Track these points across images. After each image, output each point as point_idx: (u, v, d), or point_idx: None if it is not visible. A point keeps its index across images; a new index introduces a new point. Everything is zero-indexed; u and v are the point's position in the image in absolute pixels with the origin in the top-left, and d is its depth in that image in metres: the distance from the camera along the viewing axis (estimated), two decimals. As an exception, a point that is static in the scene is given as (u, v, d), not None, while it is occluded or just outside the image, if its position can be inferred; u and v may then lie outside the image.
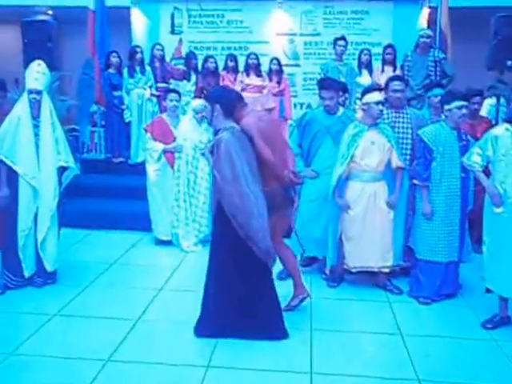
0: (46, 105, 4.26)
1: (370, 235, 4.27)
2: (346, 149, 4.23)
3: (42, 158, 4.22)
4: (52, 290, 4.31)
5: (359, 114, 4.68)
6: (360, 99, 4.58)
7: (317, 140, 4.49)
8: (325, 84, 4.51)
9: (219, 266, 3.48)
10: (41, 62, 4.39)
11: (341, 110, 4.56)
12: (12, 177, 4.19)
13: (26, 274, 4.26)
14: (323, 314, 3.98)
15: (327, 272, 4.51)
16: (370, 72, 6.97)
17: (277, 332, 3.55)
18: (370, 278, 4.46)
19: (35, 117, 4.22)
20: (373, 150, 4.22)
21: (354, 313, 4.06)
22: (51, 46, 7.28)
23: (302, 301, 3.95)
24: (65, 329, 3.67)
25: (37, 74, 4.27)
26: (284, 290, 3.94)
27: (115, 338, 3.51)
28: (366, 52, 7.05)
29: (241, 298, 3.47)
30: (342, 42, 6.85)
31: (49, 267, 4.31)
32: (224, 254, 3.45)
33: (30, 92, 4.20)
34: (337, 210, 4.34)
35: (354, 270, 4.40)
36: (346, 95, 5.54)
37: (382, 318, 3.97)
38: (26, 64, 6.97)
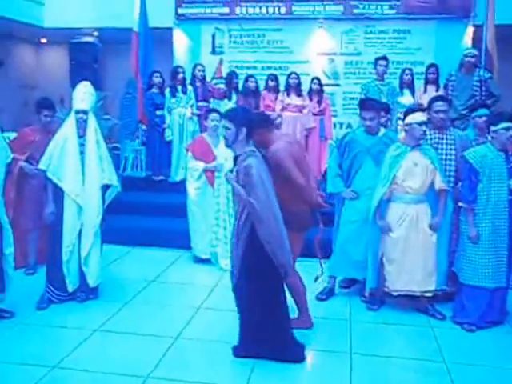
0: (92, 124, 4.37)
1: (412, 258, 4.20)
2: (387, 170, 4.18)
3: (86, 175, 4.32)
4: (94, 305, 4.38)
5: (401, 135, 4.63)
6: (402, 119, 4.53)
7: (357, 161, 4.46)
8: (366, 104, 4.48)
9: (259, 293, 3.40)
10: (87, 83, 4.52)
11: (382, 130, 4.52)
12: (58, 194, 4.31)
13: (70, 288, 4.34)
14: (363, 337, 3.91)
15: (367, 294, 4.44)
16: (412, 92, 6.91)
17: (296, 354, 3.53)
18: (411, 302, 4.35)
19: (81, 136, 4.33)
20: (415, 171, 4.16)
21: (394, 337, 3.98)
22: (96, 66, 7.53)
23: (302, 328, 3.85)
24: (105, 344, 3.73)
25: (83, 94, 4.39)
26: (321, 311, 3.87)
27: (154, 355, 3.54)
28: (407, 71, 6.99)
29: (279, 321, 3.45)
30: (383, 62, 6.81)
31: (91, 283, 4.39)
32: (262, 281, 3.38)
33: (77, 112, 4.31)
34: (377, 232, 4.28)
35: (394, 294, 4.32)
36: (389, 116, 5.49)
37: (424, 343, 3.86)
38: (73, 84, 7.25)
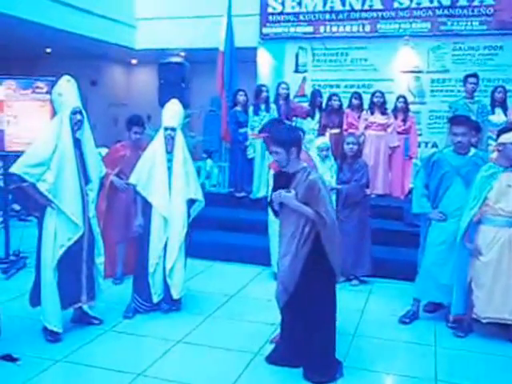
0: (180, 141, 4.52)
1: (504, 284, 3.99)
2: (478, 191, 4.02)
3: (173, 190, 4.46)
4: (176, 316, 4.49)
5: (493, 155, 4.43)
6: (494, 139, 4.34)
7: (445, 181, 4.31)
8: (458, 120, 4.33)
9: (316, 306, 3.41)
10: (177, 101, 4.69)
11: (472, 150, 4.35)
12: (146, 207, 4.48)
13: (155, 299, 4.48)
14: (449, 364, 3.75)
15: (451, 319, 4.24)
16: (505, 110, 6.60)
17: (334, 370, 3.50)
18: (502, 331, 4.12)
19: (169, 152, 4.48)
20: (509, 193, 3.97)
21: (483, 368, 3.76)
22: (184, 86, 7.79)
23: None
24: (188, 356, 3.80)
25: (173, 112, 4.56)
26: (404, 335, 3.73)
27: (235, 370, 3.57)
28: (500, 89, 6.70)
29: (329, 334, 3.47)
30: (473, 79, 6.57)
31: (175, 294, 4.50)
32: (320, 295, 3.41)
33: (166, 129, 4.48)
34: (466, 256, 4.11)
35: (484, 321, 4.10)
36: (479, 135, 5.28)
37: (515, 376, 3.64)
38: (161, 102, 7.54)
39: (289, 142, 3.36)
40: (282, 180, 3.46)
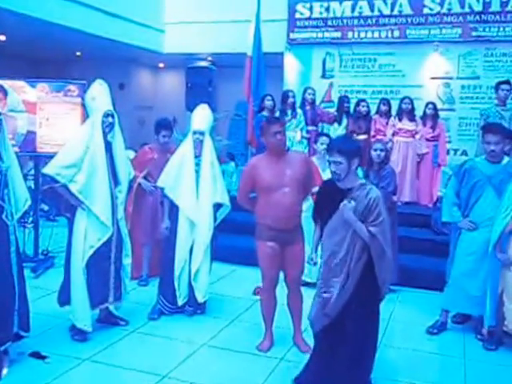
0: (208, 145, 4.53)
1: (536, 297, 3.89)
2: (511, 201, 3.93)
3: (200, 194, 4.47)
4: (201, 320, 4.50)
5: (527, 164, 4.34)
6: (528, 148, 4.26)
7: (477, 190, 4.22)
8: (491, 128, 4.26)
9: (363, 330, 3.16)
10: (206, 105, 4.72)
11: (506, 159, 4.27)
12: (172, 210, 4.50)
13: (180, 302, 4.49)
14: (478, 378, 3.68)
15: (484, 333, 4.15)
16: (538, 118, 6.47)
17: None
18: (534, 345, 4.03)
19: (197, 155, 4.50)
20: (542, 203, 3.88)
21: (513, 382, 3.68)
22: (211, 90, 7.85)
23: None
24: (212, 359, 3.80)
25: (202, 116, 4.58)
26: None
27: (260, 374, 3.56)
28: (533, 96, 6.57)
29: (369, 358, 3.26)
30: (506, 86, 6.44)
31: (200, 298, 4.51)
32: (369, 317, 3.20)
33: (195, 133, 4.50)
34: (497, 266, 4.03)
35: (515, 334, 4.02)
36: (512, 143, 5.17)
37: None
38: (188, 106, 7.60)
39: (353, 152, 3.10)
40: (333, 195, 3.16)
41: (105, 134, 3.95)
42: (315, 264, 3.39)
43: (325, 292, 3.17)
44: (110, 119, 3.95)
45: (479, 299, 4.12)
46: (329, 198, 3.20)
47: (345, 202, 3.08)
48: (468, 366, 3.80)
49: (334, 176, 3.13)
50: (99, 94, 3.99)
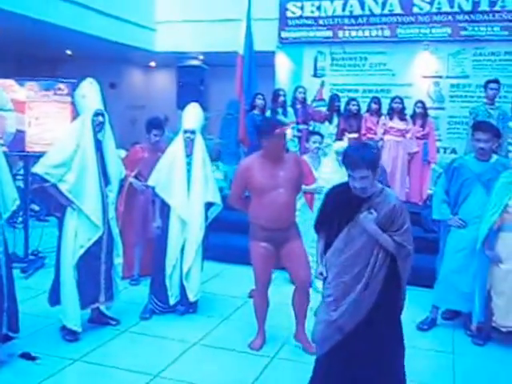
0: (199, 144, 4.53)
1: (524, 293, 3.93)
2: (498, 198, 3.98)
3: (191, 193, 4.47)
4: (192, 318, 4.50)
5: (514, 162, 4.39)
6: (515, 145, 4.30)
7: (466, 188, 4.27)
8: (481, 126, 4.30)
9: (389, 347, 2.88)
10: (197, 104, 4.72)
11: (494, 157, 4.31)
12: (164, 209, 4.50)
13: (171, 301, 4.49)
14: (467, 373, 3.71)
15: (473, 328, 4.20)
16: (525, 117, 6.53)
17: None
18: (522, 340, 4.08)
19: (188, 154, 4.50)
20: (530, 200, 3.92)
21: (502, 376, 3.71)
22: (203, 89, 7.85)
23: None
24: (204, 358, 3.81)
25: (193, 115, 4.59)
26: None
27: (251, 372, 3.57)
28: (520, 95, 6.63)
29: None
30: (494, 85, 6.50)
31: (191, 297, 4.51)
32: (393, 337, 2.90)
33: (186, 131, 4.50)
34: (486, 263, 4.07)
35: (503, 330, 4.06)
36: (500, 141, 5.22)
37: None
38: (179, 105, 7.59)
39: (376, 160, 2.87)
40: (345, 203, 2.87)
41: (95, 133, 3.94)
42: (325, 279, 2.99)
43: (335, 310, 2.85)
44: (101, 118, 3.94)
45: (468, 295, 4.16)
46: (340, 207, 2.90)
47: (364, 213, 2.79)
48: (457, 361, 3.84)
49: (359, 191, 2.79)
50: (89, 92, 3.99)
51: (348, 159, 2.83)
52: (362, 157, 2.76)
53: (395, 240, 2.77)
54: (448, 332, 4.37)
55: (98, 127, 3.94)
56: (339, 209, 2.89)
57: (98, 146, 3.99)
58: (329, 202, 3.02)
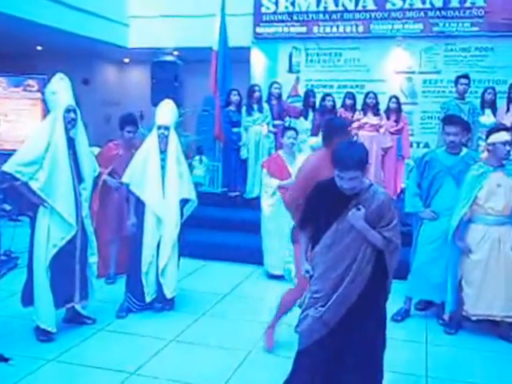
0: (173, 140, 4.52)
1: (493, 282, 4.05)
2: (468, 190, 4.07)
3: (166, 189, 4.46)
4: (169, 316, 4.50)
5: (484, 155, 4.47)
6: (484, 139, 4.40)
7: (437, 181, 4.35)
8: (451, 119, 4.38)
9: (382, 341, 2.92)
10: (170, 100, 4.70)
11: (464, 150, 4.40)
12: (139, 207, 4.47)
13: (148, 298, 4.47)
14: (439, 361, 3.80)
15: (446, 318, 4.29)
16: (494, 111, 6.65)
17: None
18: (491, 328, 4.18)
19: (162, 151, 4.48)
20: (498, 192, 4.02)
21: (472, 363, 3.81)
22: (177, 85, 7.80)
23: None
24: (180, 355, 3.81)
25: (166, 111, 4.57)
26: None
27: (228, 367, 3.59)
28: (490, 90, 6.73)
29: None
30: (464, 80, 6.60)
31: (168, 294, 4.50)
32: (379, 324, 2.90)
33: (159, 127, 4.48)
34: (457, 254, 4.16)
35: (473, 318, 4.16)
36: (469, 135, 5.33)
37: (504, 371, 3.69)
38: (154, 101, 7.53)
39: (366, 160, 2.74)
40: (331, 199, 2.79)
41: (67, 130, 3.89)
42: (311, 277, 2.94)
43: (323, 305, 2.82)
44: (72, 115, 3.89)
45: (441, 286, 4.25)
46: (327, 203, 2.82)
47: (353, 210, 2.72)
48: (430, 350, 3.92)
49: (349, 191, 2.72)
50: (60, 88, 3.93)
51: (337, 159, 2.71)
52: (351, 157, 2.66)
53: (384, 236, 2.73)
54: (421, 322, 4.45)
55: (70, 124, 3.89)
56: (326, 205, 2.82)
57: (71, 144, 3.94)
58: (314, 198, 2.92)
